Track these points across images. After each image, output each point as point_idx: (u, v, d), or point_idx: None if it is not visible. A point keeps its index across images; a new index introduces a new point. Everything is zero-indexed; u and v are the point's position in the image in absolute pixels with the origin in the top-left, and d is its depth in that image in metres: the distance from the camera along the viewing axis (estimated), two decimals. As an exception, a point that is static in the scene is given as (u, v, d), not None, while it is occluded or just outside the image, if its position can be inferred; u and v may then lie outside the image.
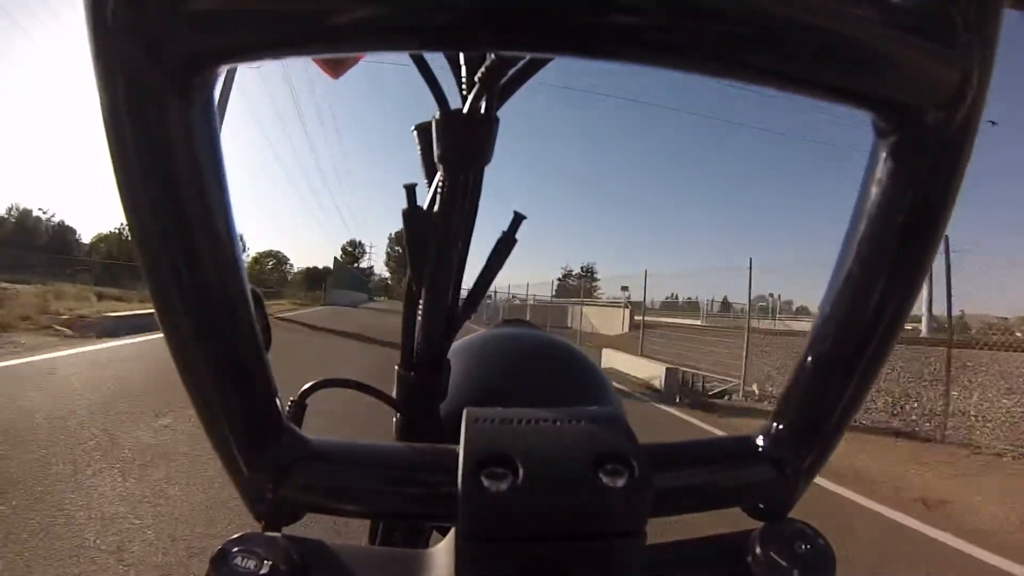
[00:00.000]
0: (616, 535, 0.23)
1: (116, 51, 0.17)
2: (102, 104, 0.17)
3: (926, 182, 0.21)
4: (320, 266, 42.87)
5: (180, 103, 0.18)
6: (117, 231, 49.52)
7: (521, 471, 0.22)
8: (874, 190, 0.23)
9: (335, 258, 36.31)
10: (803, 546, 0.26)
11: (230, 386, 0.24)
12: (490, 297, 27.68)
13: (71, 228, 54.95)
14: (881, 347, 0.25)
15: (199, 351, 0.23)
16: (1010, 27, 0.19)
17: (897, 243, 0.23)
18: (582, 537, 0.22)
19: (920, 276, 0.23)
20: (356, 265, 78.83)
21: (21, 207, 52.30)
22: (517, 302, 25.82)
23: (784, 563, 0.25)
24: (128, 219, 0.20)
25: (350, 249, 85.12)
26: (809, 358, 0.27)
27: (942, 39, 0.18)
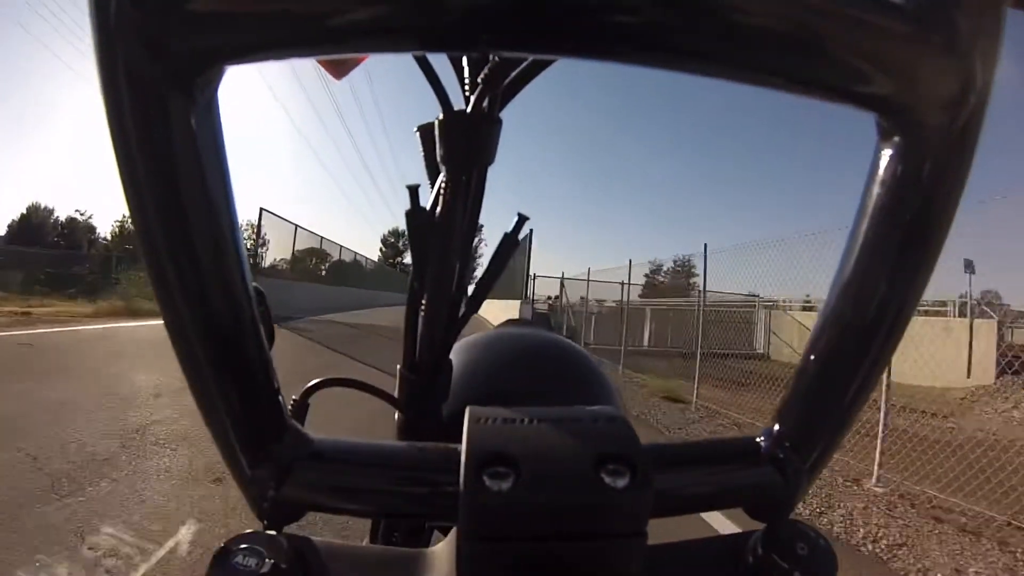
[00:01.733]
0: (617, 535, 0.23)
1: (118, 50, 0.17)
2: (105, 103, 0.18)
3: (929, 183, 0.21)
4: (353, 258, 28.51)
5: (182, 102, 0.18)
6: (116, 229, 44.90)
7: (523, 470, 0.22)
8: (877, 191, 0.23)
9: (261, 210, 14.68)
10: (804, 547, 0.26)
11: (233, 384, 0.24)
12: (549, 303, 16.50)
13: (90, 226, 49.41)
14: (884, 349, 0.25)
15: (202, 349, 0.23)
16: (1013, 27, 0.19)
17: (900, 245, 0.23)
18: (583, 537, 0.22)
19: (923, 278, 0.23)
20: (399, 260, 66.28)
21: (44, 206, 47.92)
22: (606, 306, 14.37)
23: (785, 564, 0.25)
24: (132, 218, 0.20)
25: (392, 240, 71.23)
26: (811, 358, 0.27)
27: (945, 39, 0.18)
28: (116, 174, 0.19)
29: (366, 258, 36.45)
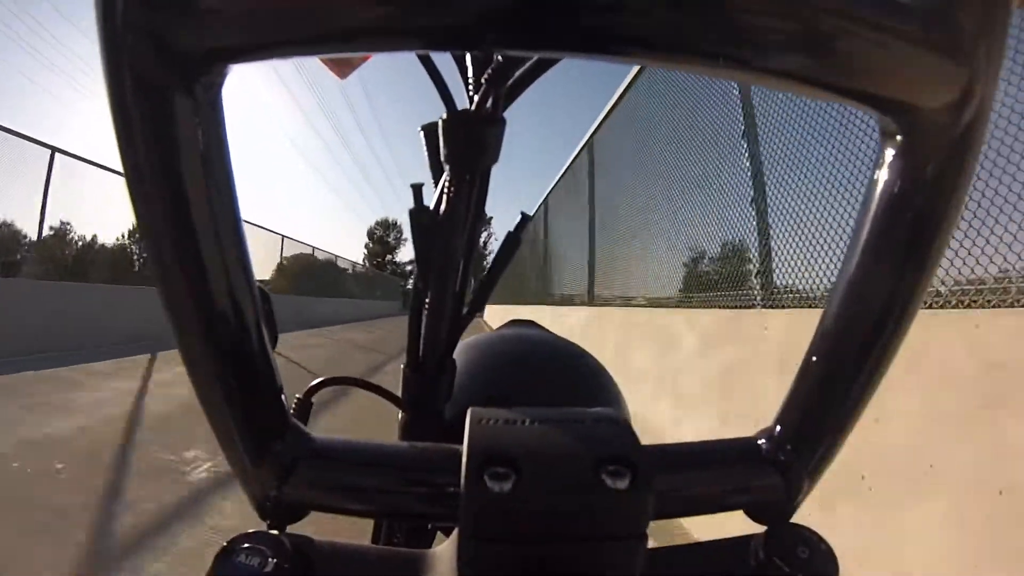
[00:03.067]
0: (618, 537, 0.23)
1: (124, 48, 0.17)
2: (110, 101, 0.18)
3: (933, 183, 0.21)
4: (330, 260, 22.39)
5: (187, 101, 0.18)
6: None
7: (524, 471, 0.22)
8: (880, 191, 0.23)
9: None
10: (806, 551, 0.26)
11: (236, 383, 0.24)
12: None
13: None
14: (886, 350, 0.25)
15: (205, 348, 0.23)
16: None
17: (903, 245, 0.23)
18: (584, 539, 0.22)
19: (926, 279, 0.23)
20: (390, 259, 54.93)
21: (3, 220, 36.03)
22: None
23: (787, 568, 0.25)
24: (136, 217, 0.20)
25: (380, 233, 56.29)
26: (813, 359, 0.27)
27: (949, 39, 0.18)
28: (122, 172, 0.19)
29: (353, 263, 29.37)
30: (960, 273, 1.34)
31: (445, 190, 0.37)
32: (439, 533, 0.52)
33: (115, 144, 0.18)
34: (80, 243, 9.79)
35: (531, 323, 0.68)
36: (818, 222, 1.98)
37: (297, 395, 0.44)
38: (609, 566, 0.23)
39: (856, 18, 0.17)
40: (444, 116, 0.35)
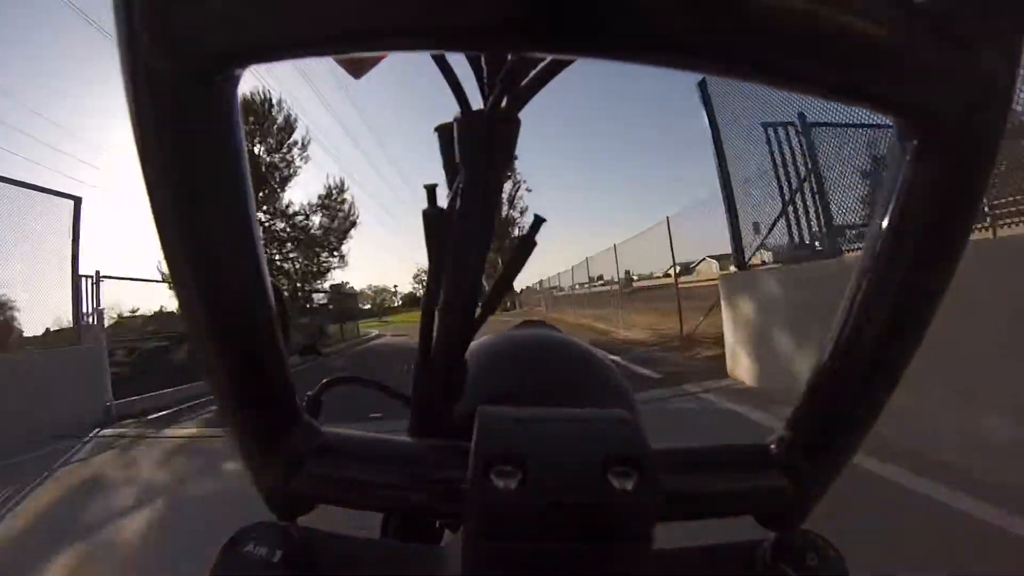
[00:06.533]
0: (623, 537, 0.23)
1: (140, 50, 0.17)
2: (128, 103, 0.18)
3: (949, 185, 0.21)
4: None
5: (203, 101, 0.19)
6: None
7: (530, 470, 0.22)
8: (895, 194, 0.22)
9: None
10: (815, 558, 0.25)
11: (249, 377, 0.24)
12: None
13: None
14: (902, 354, 0.24)
15: (220, 342, 0.23)
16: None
17: (919, 248, 0.22)
18: (588, 538, 0.22)
19: (943, 281, 0.23)
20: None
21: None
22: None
23: (794, 574, 0.25)
24: (153, 215, 0.20)
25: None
26: (827, 362, 0.26)
27: (965, 41, 0.17)
28: (140, 174, 0.20)
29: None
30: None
31: (459, 190, 0.37)
32: (448, 529, 0.52)
33: (133, 144, 0.19)
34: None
35: (544, 324, 0.68)
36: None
37: (308, 392, 0.45)
38: (613, 566, 0.23)
39: (874, 21, 0.17)
40: (458, 116, 0.35)
